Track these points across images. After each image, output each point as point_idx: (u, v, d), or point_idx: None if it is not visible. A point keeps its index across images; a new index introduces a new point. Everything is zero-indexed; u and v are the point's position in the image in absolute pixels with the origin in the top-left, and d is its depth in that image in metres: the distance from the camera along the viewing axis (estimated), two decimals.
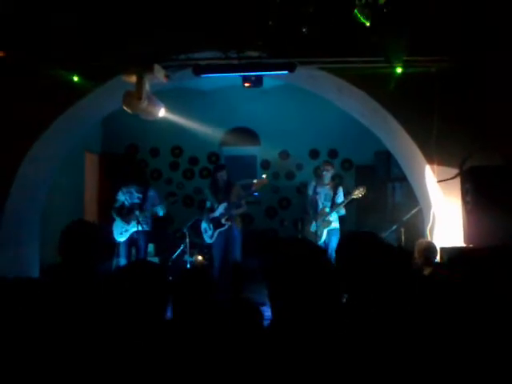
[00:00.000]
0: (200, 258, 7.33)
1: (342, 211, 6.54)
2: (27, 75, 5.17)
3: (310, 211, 6.55)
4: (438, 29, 4.79)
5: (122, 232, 6.43)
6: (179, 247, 7.33)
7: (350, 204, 6.58)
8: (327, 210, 6.49)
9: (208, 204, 6.78)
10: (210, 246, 6.81)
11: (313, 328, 1.49)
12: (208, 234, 6.64)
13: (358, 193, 6.35)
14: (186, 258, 7.08)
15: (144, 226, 6.38)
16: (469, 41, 4.78)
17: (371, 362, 1.51)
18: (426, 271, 4.17)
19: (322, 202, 6.54)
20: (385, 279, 1.85)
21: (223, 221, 6.48)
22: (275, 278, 1.58)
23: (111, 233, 6.40)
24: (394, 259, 1.97)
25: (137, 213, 6.36)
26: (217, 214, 6.54)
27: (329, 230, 6.45)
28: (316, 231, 6.34)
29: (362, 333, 1.61)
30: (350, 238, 2.10)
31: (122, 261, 6.35)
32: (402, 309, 1.84)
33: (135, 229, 6.39)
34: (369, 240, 2.01)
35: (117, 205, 6.54)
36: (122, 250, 6.43)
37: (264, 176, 6.73)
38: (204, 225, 6.70)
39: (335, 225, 6.52)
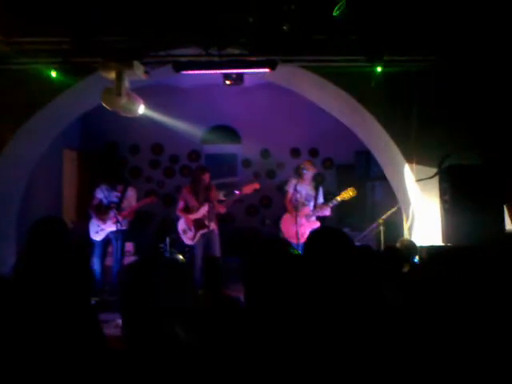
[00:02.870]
0: (181, 257, 7.26)
1: (327, 212, 6.50)
2: (3, 69, 5.07)
3: (290, 209, 6.52)
4: (418, 28, 4.82)
5: (98, 231, 6.28)
6: (159, 246, 7.28)
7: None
8: (310, 210, 6.47)
9: (180, 204, 6.61)
10: (190, 245, 6.72)
11: (283, 324, 1.48)
12: (189, 235, 6.52)
13: (345, 194, 6.32)
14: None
15: (120, 225, 6.22)
16: (450, 41, 4.83)
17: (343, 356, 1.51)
18: (405, 269, 4.20)
19: (303, 202, 6.51)
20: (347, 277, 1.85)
21: (207, 222, 6.41)
22: (250, 277, 1.57)
23: (87, 231, 6.30)
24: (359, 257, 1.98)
25: (114, 212, 6.21)
26: (199, 215, 6.46)
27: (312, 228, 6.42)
28: (297, 231, 6.31)
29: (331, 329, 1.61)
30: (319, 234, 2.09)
31: (96, 261, 6.19)
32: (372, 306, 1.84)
33: (112, 228, 6.25)
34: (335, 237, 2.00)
35: (94, 202, 6.39)
36: (97, 250, 6.27)
37: (256, 183, 6.54)
38: (182, 225, 6.57)
39: (317, 224, 6.50)
